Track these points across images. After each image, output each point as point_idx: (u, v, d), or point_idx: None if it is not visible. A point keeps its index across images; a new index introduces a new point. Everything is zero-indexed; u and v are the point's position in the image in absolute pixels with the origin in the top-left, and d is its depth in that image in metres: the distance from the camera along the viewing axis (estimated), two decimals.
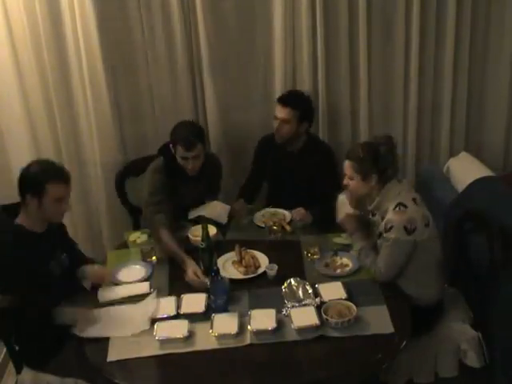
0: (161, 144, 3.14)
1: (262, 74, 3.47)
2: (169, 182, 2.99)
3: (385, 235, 2.43)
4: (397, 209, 2.42)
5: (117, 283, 2.62)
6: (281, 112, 3.13)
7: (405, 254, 2.45)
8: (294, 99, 3.16)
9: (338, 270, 2.59)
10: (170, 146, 3.01)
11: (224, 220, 3.03)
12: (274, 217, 3.06)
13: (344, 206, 2.65)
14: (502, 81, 3.53)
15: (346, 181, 2.57)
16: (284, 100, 3.15)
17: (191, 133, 2.96)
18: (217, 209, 3.09)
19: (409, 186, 2.57)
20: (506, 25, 3.42)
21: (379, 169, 2.46)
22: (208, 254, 2.56)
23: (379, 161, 2.46)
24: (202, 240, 2.57)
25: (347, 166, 2.53)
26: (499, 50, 3.47)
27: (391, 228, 2.40)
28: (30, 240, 2.40)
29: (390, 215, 2.43)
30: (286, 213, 3.09)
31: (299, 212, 3.03)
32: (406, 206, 2.43)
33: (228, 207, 3.11)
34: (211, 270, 2.43)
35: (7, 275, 2.32)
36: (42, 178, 2.37)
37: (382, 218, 2.48)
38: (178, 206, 3.03)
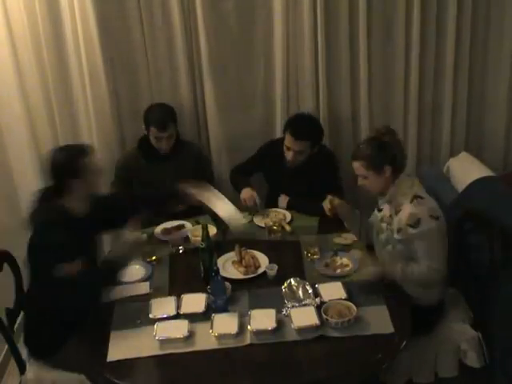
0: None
1: (262, 74, 3.47)
2: (142, 167, 3.17)
3: (414, 231, 2.38)
4: (415, 201, 2.41)
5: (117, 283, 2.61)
6: (294, 145, 3.06)
7: (444, 239, 2.44)
8: (307, 131, 3.08)
9: (338, 270, 2.59)
10: (143, 127, 3.18)
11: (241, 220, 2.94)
12: (274, 217, 3.06)
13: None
14: (501, 81, 3.54)
15: (360, 182, 2.54)
16: (297, 134, 3.05)
17: (163, 113, 3.17)
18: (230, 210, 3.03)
19: (418, 181, 2.55)
20: (505, 25, 3.42)
21: (390, 158, 2.45)
22: (208, 253, 2.57)
23: (387, 150, 2.44)
24: (202, 240, 2.57)
25: (357, 166, 2.49)
26: (499, 50, 3.48)
27: (419, 221, 2.37)
28: (73, 221, 2.43)
29: (411, 209, 2.39)
30: (286, 213, 3.10)
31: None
32: (422, 198, 2.43)
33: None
34: (211, 270, 2.43)
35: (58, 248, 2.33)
36: (75, 157, 2.42)
37: (396, 212, 2.46)
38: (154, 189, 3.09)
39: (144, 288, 2.57)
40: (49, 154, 2.48)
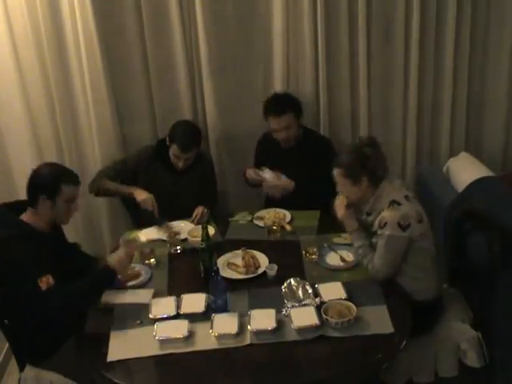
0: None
1: (261, 75, 3.47)
2: (152, 167, 3.17)
3: (379, 232, 2.45)
4: (391, 206, 2.45)
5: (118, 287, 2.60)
6: (279, 122, 3.13)
7: (400, 250, 2.46)
8: (283, 104, 3.14)
9: (342, 263, 2.62)
10: (167, 139, 3.13)
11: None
12: (273, 217, 3.06)
13: (343, 203, 2.64)
14: (501, 81, 3.53)
15: (338, 188, 2.59)
16: (276, 110, 3.12)
17: (189, 135, 3.10)
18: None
19: (400, 185, 2.58)
20: (506, 25, 3.42)
21: (368, 170, 2.48)
22: (208, 254, 2.56)
23: (366, 162, 2.47)
24: (202, 240, 2.57)
25: (336, 174, 2.54)
26: (499, 49, 3.47)
27: (385, 224, 2.42)
28: (37, 237, 2.42)
29: (384, 212, 2.45)
30: (287, 213, 3.10)
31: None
32: (399, 204, 2.45)
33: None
34: (211, 270, 2.43)
35: (21, 263, 2.31)
36: (57, 179, 2.44)
37: (376, 218, 2.50)
38: (158, 197, 3.09)
39: (146, 297, 2.51)
40: (39, 166, 2.51)
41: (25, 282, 2.29)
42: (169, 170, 3.19)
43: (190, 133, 3.11)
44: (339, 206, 2.65)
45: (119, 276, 2.62)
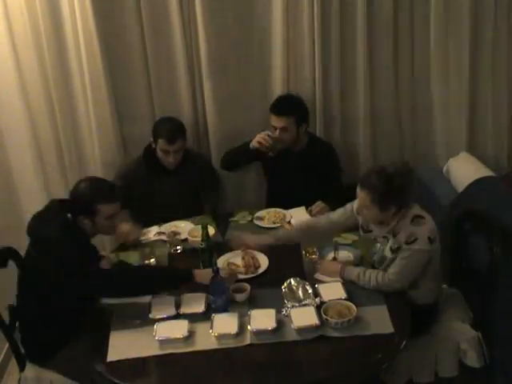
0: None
1: (261, 74, 3.46)
2: (145, 178, 3.14)
3: (405, 247, 2.37)
4: (415, 220, 2.39)
5: None
6: (277, 122, 3.13)
7: (422, 265, 2.42)
8: (288, 106, 3.15)
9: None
10: (151, 140, 3.14)
11: None
12: (273, 217, 3.06)
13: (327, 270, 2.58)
14: (501, 81, 3.53)
15: (359, 209, 2.48)
16: (277, 109, 3.13)
17: (173, 127, 3.11)
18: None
19: (417, 205, 2.50)
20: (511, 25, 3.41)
21: (399, 200, 2.39)
22: (208, 254, 2.56)
23: (399, 193, 2.37)
24: (202, 240, 2.57)
25: (363, 195, 2.39)
26: (500, 49, 3.47)
27: (415, 240, 2.35)
28: (80, 238, 2.44)
29: (411, 228, 2.37)
30: (287, 213, 3.10)
31: (319, 206, 3.03)
32: (423, 217, 2.41)
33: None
34: (213, 271, 2.43)
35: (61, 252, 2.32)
36: (92, 199, 2.40)
37: (394, 234, 2.43)
38: (154, 204, 3.11)
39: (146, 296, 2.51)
40: (81, 181, 2.47)
41: (84, 271, 2.32)
42: (162, 174, 3.18)
43: (172, 124, 3.14)
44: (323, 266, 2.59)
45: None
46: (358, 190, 2.43)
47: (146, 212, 3.18)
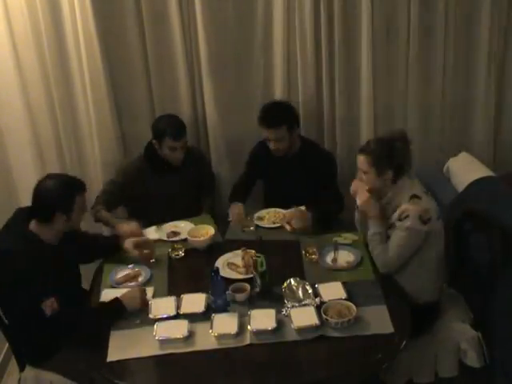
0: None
1: (261, 75, 3.46)
2: (147, 177, 3.13)
3: (398, 224, 2.44)
4: (411, 200, 2.45)
5: (116, 287, 2.60)
6: (270, 133, 3.09)
7: (415, 244, 2.47)
8: (277, 117, 3.08)
9: (345, 264, 2.62)
10: (153, 141, 3.13)
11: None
12: (273, 217, 3.07)
13: (362, 189, 2.58)
14: (503, 80, 3.52)
15: (359, 175, 2.58)
16: (267, 122, 3.07)
17: (176, 123, 3.13)
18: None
19: (418, 181, 2.59)
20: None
21: (395, 164, 2.48)
22: (266, 278, 2.46)
23: (394, 157, 2.47)
24: (260, 267, 2.45)
25: (362, 160, 2.52)
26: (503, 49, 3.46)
27: (406, 217, 2.41)
28: (45, 250, 2.38)
29: (405, 205, 2.44)
30: (287, 213, 3.09)
31: (299, 215, 2.96)
32: (419, 198, 2.46)
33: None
34: (212, 271, 2.42)
35: (18, 281, 2.26)
36: (70, 192, 2.38)
37: (393, 211, 2.49)
38: (153, 202, 3.10)
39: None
40: (44, 180, 2.41)
41: (28, 304, 2.25)
42: (163, 173, 3.18)
43: (175, 121, 3.15)
44: (361, 190, 2.57)
45: (118, 276, 2.62)
46: (358, 157, 2.53)
47: (145, 210, 3.18)
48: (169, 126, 3.09)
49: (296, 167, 3.18)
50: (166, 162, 3.17)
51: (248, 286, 2.45)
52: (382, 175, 2.50)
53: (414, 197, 2.46)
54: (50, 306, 2.26)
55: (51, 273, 2.31)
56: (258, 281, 2.41)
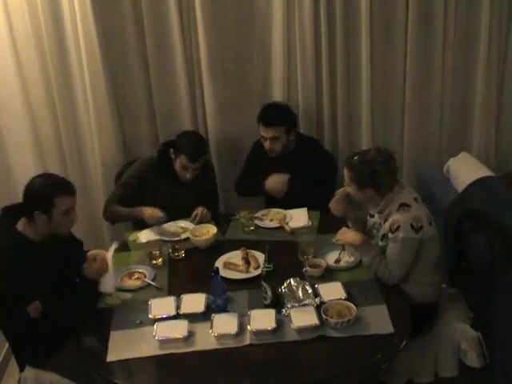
0: (159, 145, 3.21)
1: (261, 76, 3.47)
2: (155, 181, 3.09)
3: (392, 236, 2.43)
4: (400, 209, 2.44)
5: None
6: (267, 132, 3.12)
7: (413, 252, 2.46)
8: (276, 116, 3.12)
9: (345, 264, 2.62)
10: (171, 151, 3.06)
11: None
12: (273, 217, 3.07)
13: (344, 234, 2.60)
14: (503, 80, 3.52)
15: (345, 183, 2.59)
16: (266, 121, 3.11)
17: (197, 145, 3.05)
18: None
19: (409, 187, 2.58)
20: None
21: (375, 184, 2.47)
22: (277, 276, 2.42)
23: (375, 179, 2.45)
24: (269, 263, 2.39)
25: (345, 172, 2.54)
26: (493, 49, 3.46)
27: (398, 228, 2.41)
28: (30, 249, 2.37)
29: (395, 216, 2.44)
30: (287, 213, 3.09)
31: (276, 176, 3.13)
32: (409, 206, 2.45)
33: None
34: (212, 271, 2.42)
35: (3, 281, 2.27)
36: (48, 193, 2.35)
37: (385, 220, 2.49)
38: (158, 206, 3.04)
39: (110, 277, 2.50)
40: (34, 178, 2.41)
41: (11, 308, 2.26)
42: (172, 182, 3.12)
43: (197, 142, 3.08)
44: (343, 236, 2.60)
45: (118, 281, 2.61)
46: (344, 169, 2.56)
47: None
48: (188, 145, 3.01)
49: (294, 166, 3.19)
50: (176, 173, 3.12)
51: (324, 262, 2.54)
52: (362, 191, 2.50)
53: (404, 205, 2.45)
54: (34, 309, 2.27)
55: (38, 272, 2.31)
56: (269, 293, 2.37)
